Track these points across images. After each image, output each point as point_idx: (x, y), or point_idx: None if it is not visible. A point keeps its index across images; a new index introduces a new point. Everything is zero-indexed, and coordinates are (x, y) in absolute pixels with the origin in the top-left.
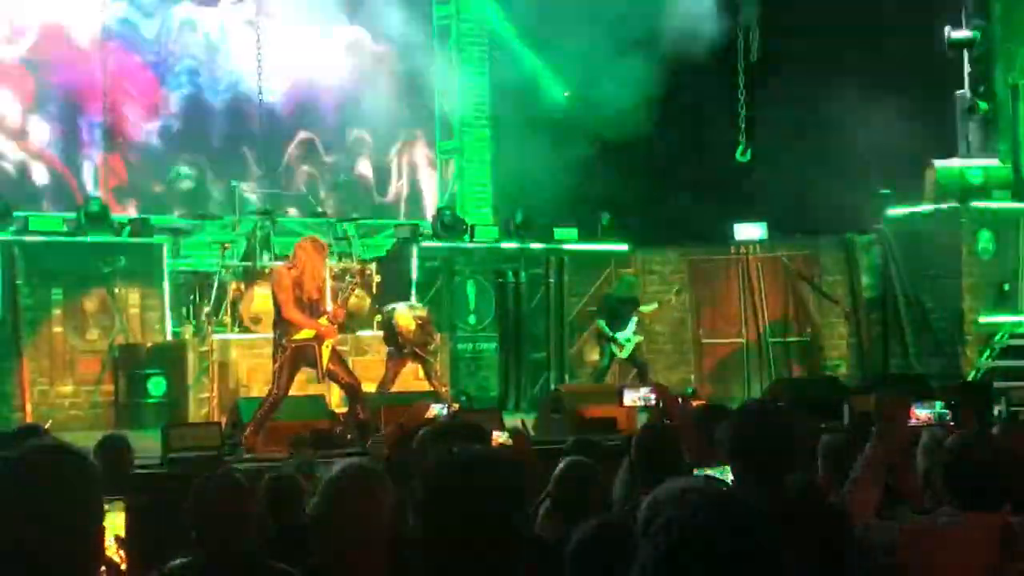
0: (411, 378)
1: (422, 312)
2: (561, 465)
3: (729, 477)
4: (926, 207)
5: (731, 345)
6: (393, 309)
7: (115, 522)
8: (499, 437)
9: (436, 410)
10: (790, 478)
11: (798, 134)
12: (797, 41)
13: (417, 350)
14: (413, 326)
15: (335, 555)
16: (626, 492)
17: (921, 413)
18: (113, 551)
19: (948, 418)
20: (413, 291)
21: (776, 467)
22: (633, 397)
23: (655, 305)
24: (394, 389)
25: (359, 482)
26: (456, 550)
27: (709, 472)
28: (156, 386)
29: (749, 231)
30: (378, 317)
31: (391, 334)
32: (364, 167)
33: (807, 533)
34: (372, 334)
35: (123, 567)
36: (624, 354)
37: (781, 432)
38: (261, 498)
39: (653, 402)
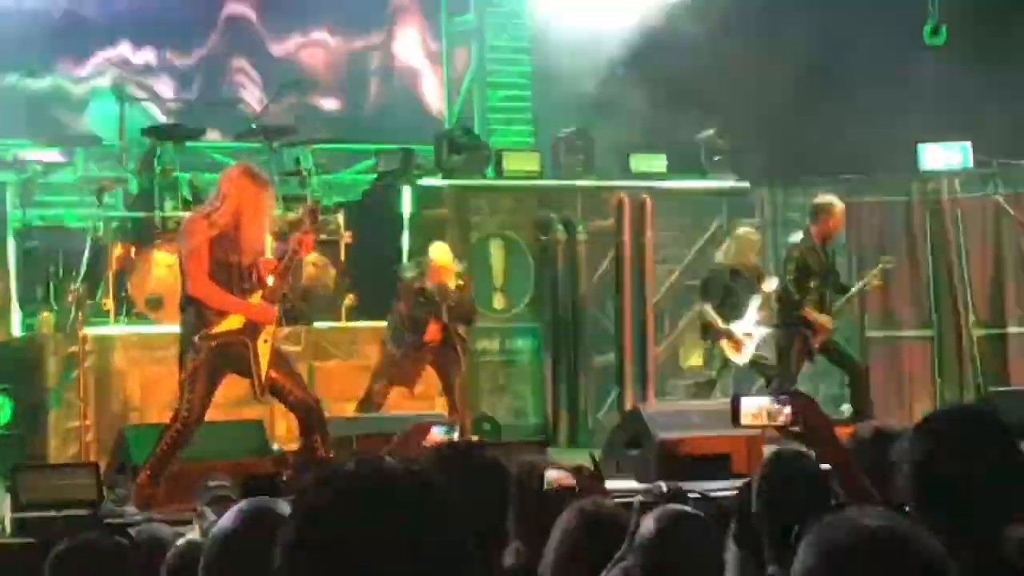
0: (401, 397)
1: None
2: (650, 522)
3: None
4: None
5: (914, 340)
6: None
7: None
8: (558, 476)
9: (439, 435)
10: (1011, 529)
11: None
12: None
13: (455, 330)
14: (453, 281)
15: None
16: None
17: None
18: None
19: None
20: (404, 255)
21: (988, 513)
22: (755, 413)
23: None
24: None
25: (259, 529)
26: None
27: None
28: None
29: (943, 156)
30: (349, 298)
31: (410, 296)
32: (325, 60)
33: None
34: (338, 326)
35: None
36: (743, 357)
37: (998, 458)
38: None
39: (788, 421)
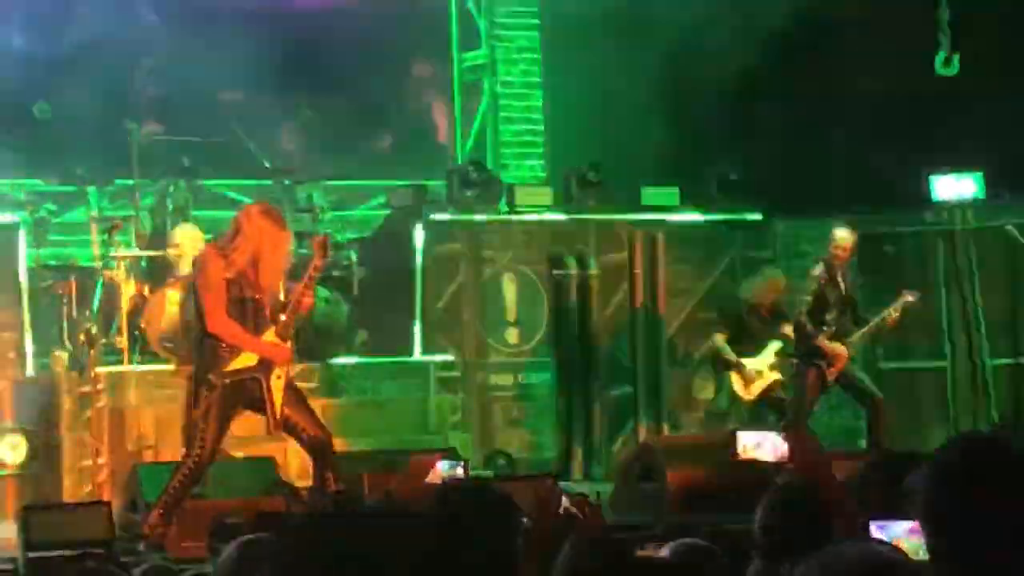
0: (406, 427)
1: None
2: (665, 554)
3: (922, 551)
4: None
5: (928, 371)
6: None
7: None
8: (567, 504)
9: (444, 470)
10: None
11: None
12: None
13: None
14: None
15: None
16: None
17: None
18: None
19: None
20: (418, 292)
21: (1001, 544)
22: (752, 448)
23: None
24: (384, 442)
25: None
26: None
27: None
28: (11, 448)
29: (955, 187)
30: (362, 334)
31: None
32: (337, 97)
33: None
34: (351, 362)
35: None
36: (750, 393)
37: (1010, 488)
38: None
39: (783, 455)
